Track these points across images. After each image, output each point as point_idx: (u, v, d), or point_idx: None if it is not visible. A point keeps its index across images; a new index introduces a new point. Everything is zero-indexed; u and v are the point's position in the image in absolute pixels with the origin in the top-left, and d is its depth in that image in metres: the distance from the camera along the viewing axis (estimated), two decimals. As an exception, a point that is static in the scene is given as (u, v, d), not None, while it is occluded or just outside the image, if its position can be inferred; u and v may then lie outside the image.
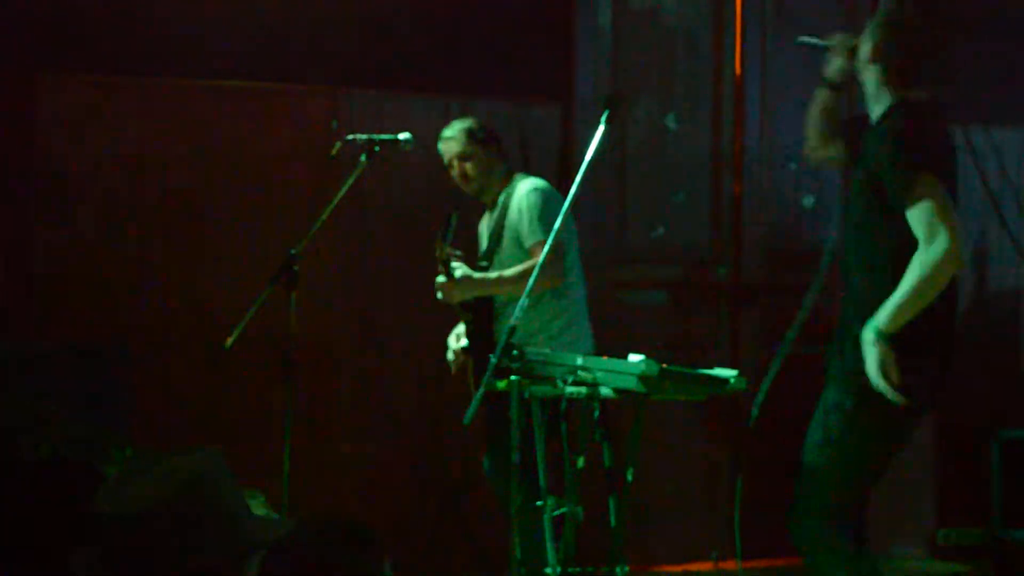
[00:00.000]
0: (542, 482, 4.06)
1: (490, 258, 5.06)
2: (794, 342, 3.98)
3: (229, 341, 4.66)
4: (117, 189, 5.51)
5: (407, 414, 5.84)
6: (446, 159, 5.11)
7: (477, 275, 4.92)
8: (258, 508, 4.02)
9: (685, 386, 4.02)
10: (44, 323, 5.39)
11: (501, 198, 5.06)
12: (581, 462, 4.02)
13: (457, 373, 5.18)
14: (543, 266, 4.64)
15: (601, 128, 3.99)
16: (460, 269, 4.89)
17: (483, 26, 5.89)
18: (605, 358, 3.97)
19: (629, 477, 4.10)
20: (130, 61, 5.49)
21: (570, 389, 3.94)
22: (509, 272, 4.90)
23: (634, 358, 3.87)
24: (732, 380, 4.01)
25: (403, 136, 4.94)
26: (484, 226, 5.23)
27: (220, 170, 5.62)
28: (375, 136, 4.90)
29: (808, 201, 6.38)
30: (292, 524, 2.49)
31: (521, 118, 5.93)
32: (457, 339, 5.17)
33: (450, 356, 5.19)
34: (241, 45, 5.61)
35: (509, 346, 3.89)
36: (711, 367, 4.09)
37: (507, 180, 5.09)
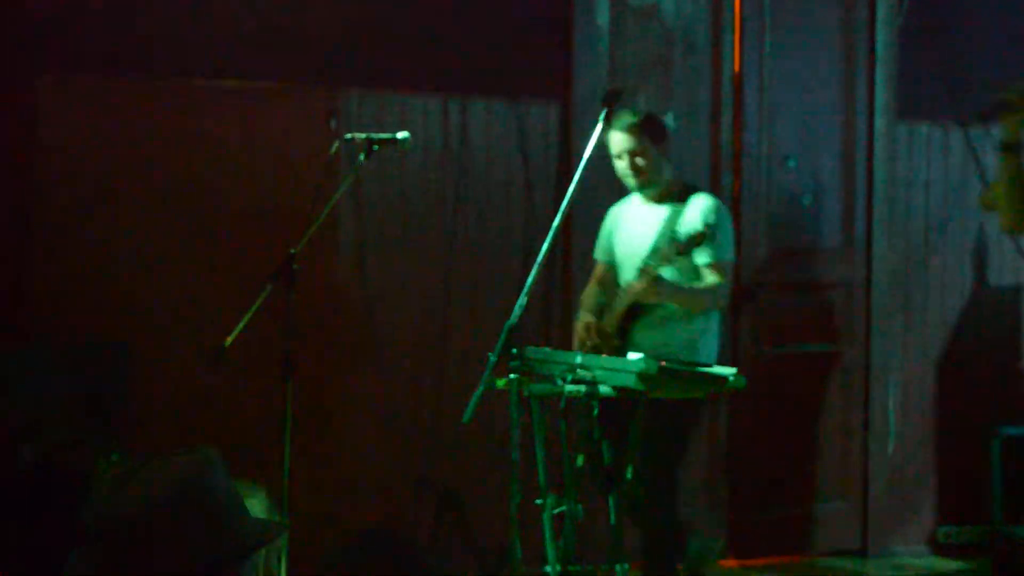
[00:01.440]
0: (541, 480, 4.07)
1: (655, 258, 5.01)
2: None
3: (228, 340, 4.66)
4: (116, 189, 5.51)
5: (407, 413, 5.83)
6: (615, 151, 5.07)
7: (685, 286, 4.89)
8: (258, 508, 4.02)
9: (684, 384, 4.02)
10: (43, 323, 5.38)
11: (670, 199, 5.05)
12: (581, 460, 4.03)
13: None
14: (721, 288, 4.70)
15: (599, 126, 3.99)
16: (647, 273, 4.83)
17: (482, 25, 5.89)
18: (604, 356, 3.98)
19: (628, 475, 4.11)
20: (129, 61, 5.49)
21: (569, 387, 3.95)
22: (700, 287, 4.89)
23: (633, 356, 3.87)
24: (731, 378, 4.01)
25: (402, 135, 4.93)
26: (624, 215, 5.22)
27: (219, 169, 5.62)
28: (374, 135, 4.89)
29: (807, 200, 6.38)
30: (341, 540, 2.50)
31: (520, 117, 5.93)
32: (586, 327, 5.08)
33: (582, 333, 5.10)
34: (240, 44, 5.61)
35: (508, 344, 3.89)
36: (710, 365, 4.09)
37: (676, 182, 5.12)
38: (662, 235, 4.95)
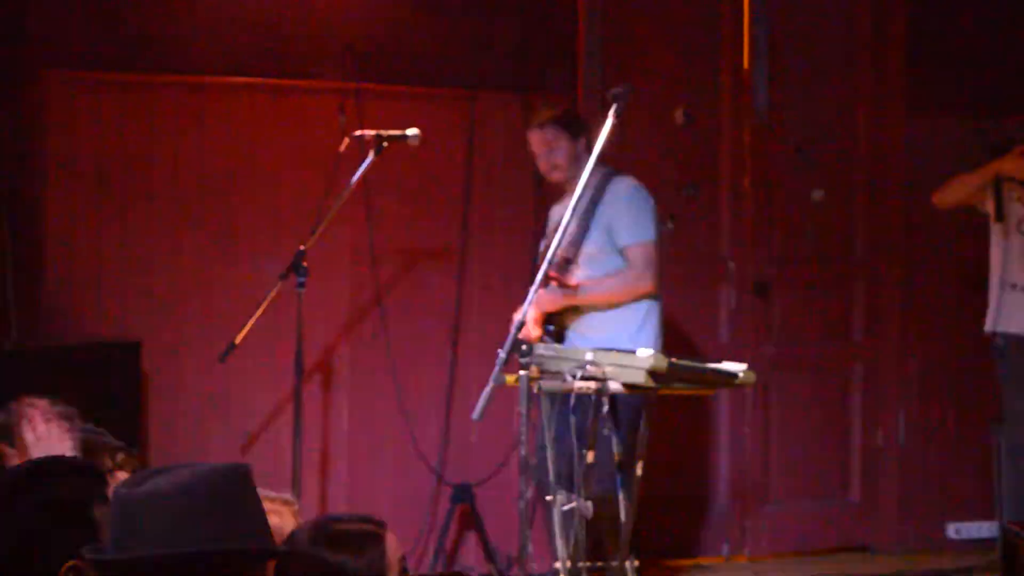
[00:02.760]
0: (551, 477, 4.07)
1: (575, 250, 5.00)
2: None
3: (238, 338, 4.67)
4: (126, 186, 5.52)
5: (417, 410, 5.84)
6: (534, 148, 5.08)
7: (581, 290, 4.88)
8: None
9: (694, 380, 4.02)
10: (54, 323, 5.39)
11: (591, 187, 4.95)
12: (590, 457, 4.02)
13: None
14: (639, 268, 4.67)
15: (609, 121, 3.98)
16: (554, 281, 4.83)
17: (490, 20, 5.89)
18: (614, 353, 3.98)
19: (638, 471, 4.11)
20: (138, 58, 5.49)
21: (579, 384, 3.95)
22: (613, 277, 4.88)
23: (643, 352, 3.87)
24: (741, 374, 4.00)
25: (411, 132, 4.93)
26: (561, 212, 5.17)
27: (228, 167, 5.63)
28: (383, 132, 4.90)
29: (817, 194, 6.37)
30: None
31: (528, 111, 5.93)
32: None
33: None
34: (249, 41, 5.61)
35: (518, 341, 3.89)
36: (719, 361, 4.08)
37: (596, 171, 5.05)
38: (578, 228, 4.95)
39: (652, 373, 3.80)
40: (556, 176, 5.07)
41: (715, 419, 6.25)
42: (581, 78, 5.99)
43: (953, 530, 6.45)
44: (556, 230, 5.04)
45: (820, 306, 6.44)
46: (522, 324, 3.92)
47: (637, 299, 4.90)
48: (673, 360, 3.85)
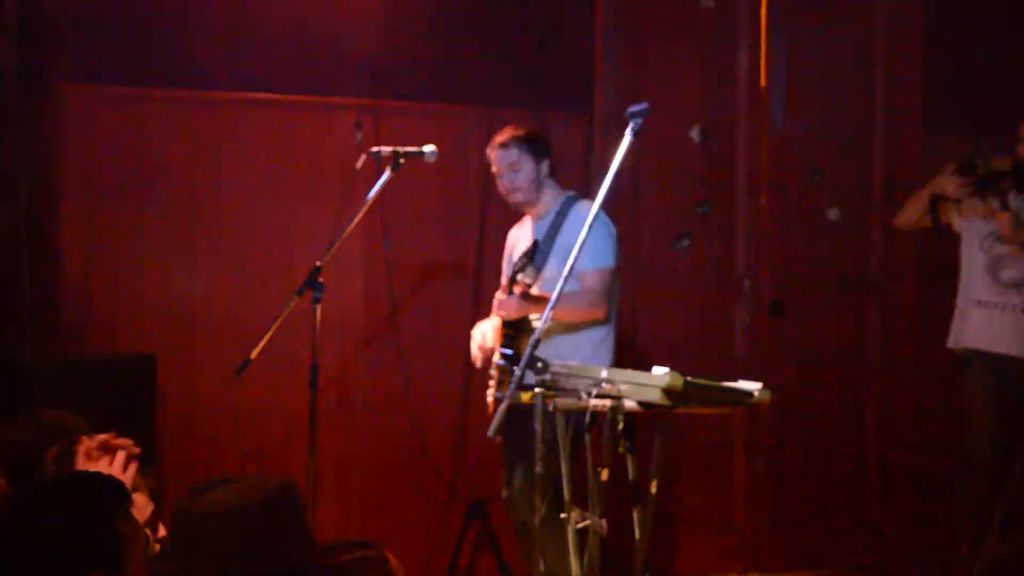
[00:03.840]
0: (567, 495, 4.06)
1: (536, 271, 5.00)
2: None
3: (254, 353, 4.67)
4: (143, 201, 5.54)
5: (432, 426, 5.84)
6: (495, 168, 5.06)
7: (535, 293, 4.88)
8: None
9: (709, 399, 4.01)
10: (71, 335, 5.41)
11: (552, 213, 5.02)
12: (605, 475, 4.01)
13: (481, 374, 5.13)
14: (594, 294, 4.66)
15: (627, 140, 3.98)
16: (518, 286, 4.86)
17: (507, 37, 5.90)
18: (630, 371, 3.96)
19: (653, 489, 4.10)
20: (157, 73, 5.52)
21: (594, 402, 3.94)
22: (567, 292, 4.84)
23: (659, 371, 3.86)
24: (756, 393, 3.99)
25: (428, 149, 4.92)
26: (520, 235, 5.18)
27: (246, 182, 5.65)
28: (399, 149, 4.90)
29: (833, 214, 6.37)
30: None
31: (544, 129, 5.93)
32: (483, 336, 5.09)
33: (474, 350, 5.11)
34: (267, 57, 5.64)
35: (534, 359, 3.88)
36: (736, 380, 4.07)
37: (560, 196, 5.05)
38: (540, 250, 4.91)
39: (667, 391, 3.79)
40: (515, 198, 5.01)
41: (730, 437, 6.24)
42: (597, 96, 6.00)
43: (968, 554, 6.41)
44: (513, 253, 5.07)
45: (835, 324, 6.43)
46: (538, 341, 3.91)
47: (588, 324, 4.89)
48: (688, 379, 3.84)
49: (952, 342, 5.70)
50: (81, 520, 2.31)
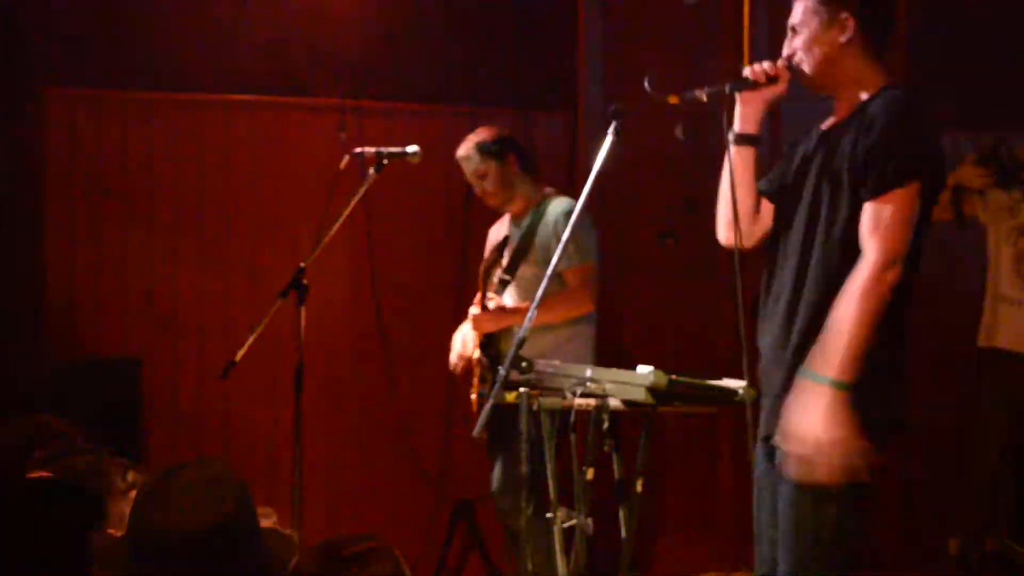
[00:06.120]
0: (552, 494, 4.06)
1: (513, 272, 5.01)
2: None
3: (239, 355, 4.66)
4: (126, 203, 5.53)
5: (418, 426, 5.84)
6: (466, 176, 5.09)
7: (510, 305, 4.89)
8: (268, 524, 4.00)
9: (694, 397, 4.01)
10: (55, 338, 5.40)
11: (530, 211, 5.03)
12: (590, 474, 4.01)
13: (462, 378, 5.15)
14: (577, 293, 4.66)
15: (609, 139, 3.98)
16: (492, 300, 4.88)
17: (490, 37, 5.90)
18: (614, 369, 3.97)
19: (639, 488, 4.10)
20: (139, 75, 5.51)
21: (579, 401, 3.94)
22: (550, 296, 4.83)
23: (643, 369, 3.86)
24: (741, 391, 3.99)
25: (411, 149, 4.92)
26: (499, 233, 5.19)
27: (229, 184, 5.64)
28: (383, 149, 4.89)
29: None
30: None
31: (528, 128, 5.94)
32: (463, 342, 5.11)
33: (453, 358, 5.14)
34: (249, 59, 5.63)
35: (518, 358, 3.88)
36: (719, 378, 4.08)
37: (536, 193, 5.07)
38: (516, 251, 4.95)
39: (652, 390, 3.79)
40: (491, 201, 5.07)
41: (716, 436, 6.23)
42: (581, 94, 6.00)
43: (957, 547, 6.42)
44: (493, 250, 5.08)
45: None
46: (523, 340, 3.91)
47: (574, 319, 4.89)
48: (673, 377, 3.84)
49: (983, 340, 5.57)
50: (49, 529, 2.29)
